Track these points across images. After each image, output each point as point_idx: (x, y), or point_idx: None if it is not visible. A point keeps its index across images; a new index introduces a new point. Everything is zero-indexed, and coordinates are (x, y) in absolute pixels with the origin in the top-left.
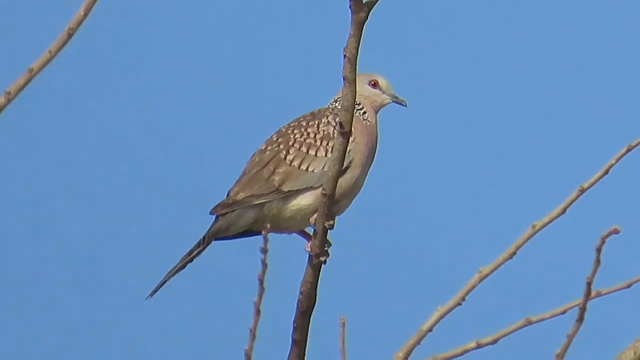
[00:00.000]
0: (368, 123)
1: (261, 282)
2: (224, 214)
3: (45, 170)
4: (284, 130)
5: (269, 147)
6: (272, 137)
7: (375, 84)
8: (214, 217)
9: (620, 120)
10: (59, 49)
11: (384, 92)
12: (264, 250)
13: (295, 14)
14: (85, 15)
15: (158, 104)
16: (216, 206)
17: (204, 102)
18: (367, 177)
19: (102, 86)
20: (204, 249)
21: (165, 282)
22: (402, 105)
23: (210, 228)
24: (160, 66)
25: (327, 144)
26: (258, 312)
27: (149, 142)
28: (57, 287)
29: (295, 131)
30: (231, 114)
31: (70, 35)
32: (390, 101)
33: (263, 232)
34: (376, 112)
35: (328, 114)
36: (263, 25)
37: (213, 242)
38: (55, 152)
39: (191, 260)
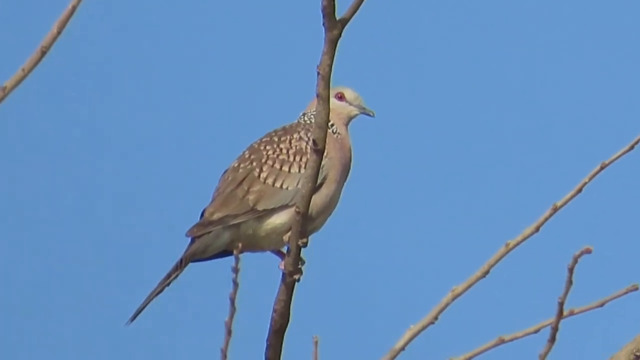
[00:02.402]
0: (339, 137)
1: (232, 301)
2: (200, 236)
3: (11, 198)
4: (255, 146)
5: (241, 165)
6: (244, 153)
7: (341, 97)
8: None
9: (594, 138)
10: (32, 67)
11: (350, 104)
12: (235, 270)
13: (269, 32)
14: (59, 33)
15: (128, 126)
16: (192, 228)
17: (174, 120)
18: (342, 193)
19: (73, 107)
20: (181, 272)
21: (144, 307)
22: (370, 115)
23: (186, 250)
24: (132, 90)
25: (301, 160)
26: (229, 332)
27: (124, 166)
28: (32, 313)
29: (268, 147)
30: (201, 131)
31: (43, 54)
32: (358, 112)
33: (234, 252)
34: (346, 125)
35: (300, 129)
36: (235, 43)
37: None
38: (25, 176)
39: (169, 284)
